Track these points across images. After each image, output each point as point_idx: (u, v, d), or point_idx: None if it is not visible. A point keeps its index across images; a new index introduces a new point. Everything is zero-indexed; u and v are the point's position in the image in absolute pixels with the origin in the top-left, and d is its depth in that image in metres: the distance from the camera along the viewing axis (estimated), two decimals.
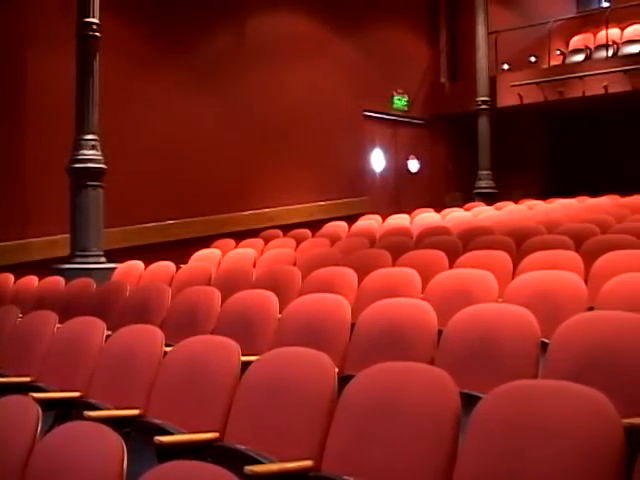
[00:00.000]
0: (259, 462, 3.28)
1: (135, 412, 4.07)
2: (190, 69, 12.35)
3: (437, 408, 3.04)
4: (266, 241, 10.54)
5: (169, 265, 8.67)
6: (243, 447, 3.44)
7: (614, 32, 16.83)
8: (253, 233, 11.74)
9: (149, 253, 10.10)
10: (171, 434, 3.69)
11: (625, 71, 14.30)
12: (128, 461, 2.71)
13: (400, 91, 16.13)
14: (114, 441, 2.79)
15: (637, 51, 15.94)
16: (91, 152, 9.37)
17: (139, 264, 9.07)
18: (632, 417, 3.08)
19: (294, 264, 8.14)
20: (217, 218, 12.43)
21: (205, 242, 11.09)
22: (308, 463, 3.24)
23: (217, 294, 5.99)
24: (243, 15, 13.23)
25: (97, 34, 9.47)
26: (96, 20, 9.47)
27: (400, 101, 16.13)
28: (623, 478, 2.54)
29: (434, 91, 17.00)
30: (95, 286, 7.64)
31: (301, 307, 5.23)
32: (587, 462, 2.61)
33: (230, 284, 6.84)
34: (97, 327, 5.11)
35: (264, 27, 13.47)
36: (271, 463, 3.29)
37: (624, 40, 16.76)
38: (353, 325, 4.82)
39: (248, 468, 3.06)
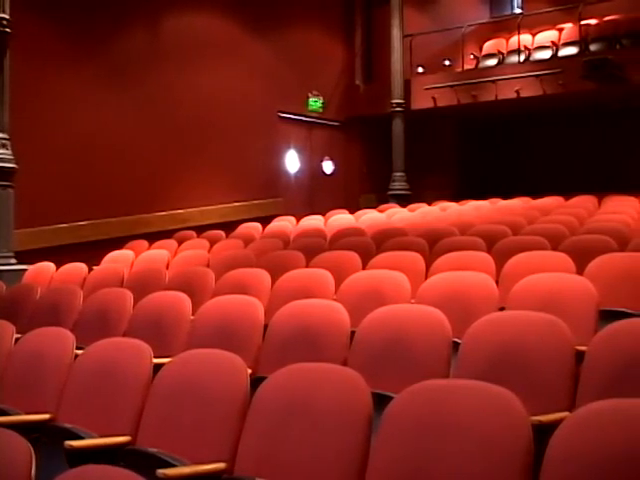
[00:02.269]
0: (171, 465, 3.26)
1: (45, 416, 4.02)
2: (105, 68, 12.19)
3: (349, 408, 3.05)
4: (179, 242, 10.46)
5: (81, 267, 8.55)
6: (155, 450, 3.41)
7: (526, 38, 17.12)
8: (167, 234, 11.64)
9: (61, 254, 9.95)
10: (82, 438, 3.64)
11: (536, 76, 14.53)
12: (38, 467, 2.66)
13: (315, 93, 16.15)
14: (22, 447, 2.74)
15: (548, 57, 16.25)
16: (1, 151, 9.19)
17: (50, 266, 8.94)
18: (540, 414, 3.13)
19: (207, 265, 8.10)
20: (130, 219, 12.30)
21: (118, 243, 10.97)
22: (221, 465, 3.23)
23: (129, 296, 5.94)
24: (159, 14, 13.11)
25: (7, 30, 9.29)
26: (6, 16, 9.27)
27: (315, 103, 16.16)
28: (531, 475, 2.58)
29: (349, 93, 17.06)
30: (5, 288, 7.51)
31: (214, 309, 5.21)
32: (496, 460, 2.64)
33: (143, 286, 6.79)
34: (6, 330, 5.02)
35: (180, 27, 13.37)
36: (183, 466, 3.27)
37: (535, 46, 17.05)
38: (266, 326, 4.82)
39: (160, 471, 3.04)
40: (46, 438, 3.83)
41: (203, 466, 3.24)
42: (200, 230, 11.94)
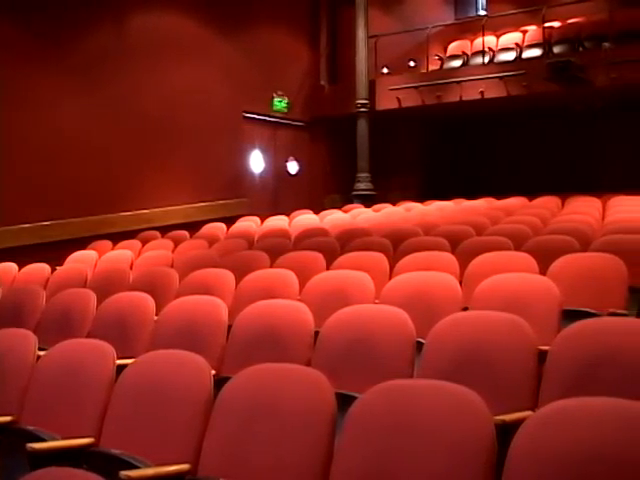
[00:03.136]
0: (135, 467, 3.24)
1: (7, 419, 3.98)
2: (68, 67, 12.09)
3: (313, 408, 3.05)
4: (144, 243, 10.42)
5: (44, 267, 8.49)
6: (118, 452, 3.39)
7: (490, 39, 17.24)
8: (131, 234, 11.59)
9: (24, 255, 9.87)
10: (44, 440, 3.61)
11: (500, 77, 14.61)
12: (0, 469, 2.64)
13: (280, 93, 16.13)
14: None
15: (512, 58, 16.36)
16: None
17: (12, 266, 8.87)
18: (504, 414, 3.15)
19: (171, 266, 8.07)
20: (94, 219, 12.22)
21: (82, 243, 10.90)
22: (185, 467, 3.22)
23: (92, 296, 5.90)
24: (124, 13, 13.01)
25: None
26: None
27: (280, 103, 16.13)
28: (494, 474, 2.59)
29: (314, 93, 17.05)
30: None
31: (178, 309, 5.19)
32: (460, 459, 2.65)
33: (106, 286, 6.76)
34: None
35: (145, 26, 13.30)
36: (147, 467, 3.25)
37: (499, 47, 17.17)
38: (230, 327, 4.81)
39: (123, 473, 3.03)
40: (8, 441, 3.80)
41: (167, 467, 3.22)
42: (164, 230, 11.90)
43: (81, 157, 12.06)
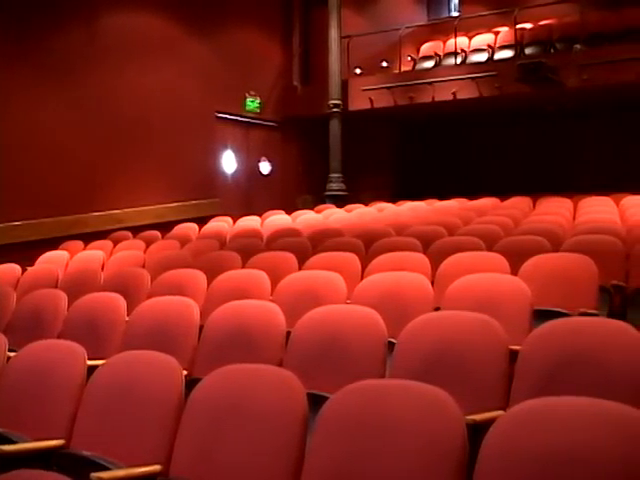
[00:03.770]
0: (106, 468, 3.23)
1: None
2: (39, 66, 12.00)
3: (284, 409, 3.05)
4: (115, 243, 10.37)
5: (14, 267, 8.45)
6: (89, 453, 3.38)
7: (462, 41, 17.29)
8: (102, 235, 11.54)
9: None
10: (14, 442, 3.59)
11: (472, 78, 14.65)
12: None
13: (253, 93, 16.11)
14: None
15: (484, 59, 16.43)
16: None
17: None
18: (475, 413, 3.16)
19: (143, 266, 8.04)
20: (65, 219, 12.15)
21: (53, 244, 10.83)
22: (156, 468, 3.21)
23: (63, 297, 5.88)
24: (97, 13, 12.92)
25: None
26: None
27: (253, 103, 16.11)
28: (466, 473, 2.60)
29: (287, 94, 17.04)
30: None
31: (149, 310, 5.18)
32: (431, 459, 2.66)
33: (77, 287, 6.73)
34: None
35: (116, 25, 13.22)
36: (118, 469, 3.24)
37: (472, 49, 17.25)
38: (202, 327, 4.80)
39: (94, 475, 3.01)
40: None
41: (138, 468, 3.21)
42: (137, 230, 11.85)
43: (52, 157, 11.99)
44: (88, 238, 11.12)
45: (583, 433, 2.43)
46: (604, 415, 2.46)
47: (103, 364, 3.84)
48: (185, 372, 3.64)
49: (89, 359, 3.94)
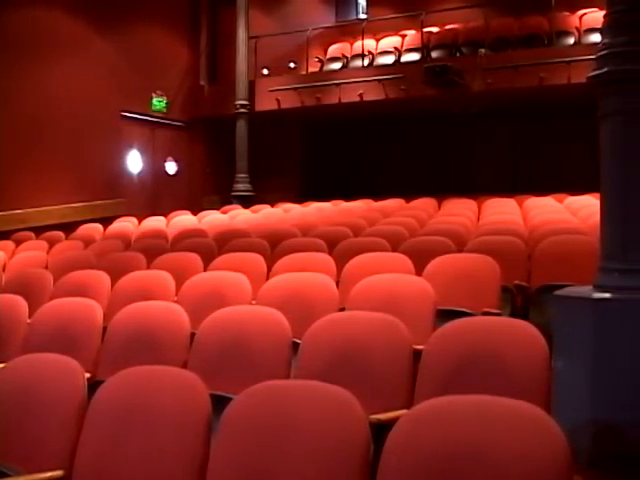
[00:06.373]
0: (5, 475, 3.17)
1: None
2: None
3: (187, 410, 3.03)
4: (17, 243, 10.21)
5: None
6: None
7: (370, 43, 17.44)
8: (4, 235, 11.33)
9: None
10: None
11: (379, 80, 14.76)
12: None
13: (159, 92, 15.99)
14: None
15: (391, 62, 16.58)
16: None
17: None
18: (380, 413, 3.18)
19: (46, 267, 7.93)
20: None
21: None
22: (58, 473, 3.17)
23: None
24: (0, 7, 12.70)
25: None
26: None
27: (159, 102, 15.99)
28: (369, 472, 2.62)
29: (193, 93, 16.97)
30: None
31: (52, 312, 5.10)
32: (335, 459, 2.67)
33: None
34: None
35: (22, 21, 12.97)
36: (18, 476, 3.18)
37: (379, 51, 17.39)
38: (106, 329, 4.74)
39: None
40: None
41: (39, 475, 3.16)
42: (40, 231, 11.66)
43: None
44: None
45: (482, 430, 2.46)
46: (502, 412, 2.50)
47: (2, 368, 3.77)
48: (88, 374, 3.59)
49: None
